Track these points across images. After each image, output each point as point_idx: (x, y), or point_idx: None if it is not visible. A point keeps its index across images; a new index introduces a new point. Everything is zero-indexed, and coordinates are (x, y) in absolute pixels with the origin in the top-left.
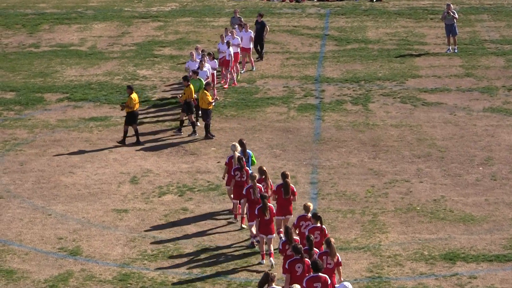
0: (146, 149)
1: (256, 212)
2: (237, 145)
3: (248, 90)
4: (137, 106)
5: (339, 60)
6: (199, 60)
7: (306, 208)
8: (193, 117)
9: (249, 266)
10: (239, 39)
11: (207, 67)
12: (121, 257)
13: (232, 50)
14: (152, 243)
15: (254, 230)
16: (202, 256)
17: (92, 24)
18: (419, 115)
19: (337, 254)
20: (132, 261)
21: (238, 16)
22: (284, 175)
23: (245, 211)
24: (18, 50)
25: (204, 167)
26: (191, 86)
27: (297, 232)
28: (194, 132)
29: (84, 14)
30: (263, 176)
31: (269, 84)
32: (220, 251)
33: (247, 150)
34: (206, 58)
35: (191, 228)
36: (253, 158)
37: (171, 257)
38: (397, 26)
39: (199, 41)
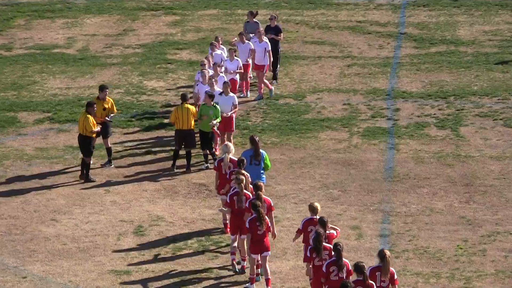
0: (155, 189)
1: (247, 225)
2: (230, 145)
3: (295, 108)
4: None
5: (419, 68)
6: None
7: (313, 209)
8: (108, 142)
9: None
10: (239, 61)
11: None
12: None
13: (230, 66)
14: None
15: (237, 245)
16: None
17: (84, 19)
18: None
19: (392, 269)
20: None
21: (254, 21)
22: (256, 187)
23: (227, 219)
24: None
25: None
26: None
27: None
28: (108, 162)
29: (73, 4)
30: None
31: (323, 100)
32: None
33: (261, 151)
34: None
35: None
36: (267, 161)
37: None
38: (499, 21)
39: (229, 41)
